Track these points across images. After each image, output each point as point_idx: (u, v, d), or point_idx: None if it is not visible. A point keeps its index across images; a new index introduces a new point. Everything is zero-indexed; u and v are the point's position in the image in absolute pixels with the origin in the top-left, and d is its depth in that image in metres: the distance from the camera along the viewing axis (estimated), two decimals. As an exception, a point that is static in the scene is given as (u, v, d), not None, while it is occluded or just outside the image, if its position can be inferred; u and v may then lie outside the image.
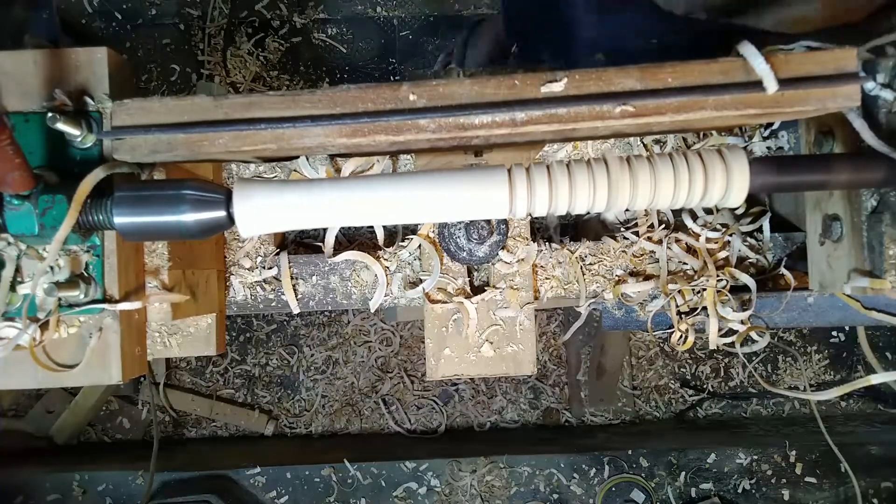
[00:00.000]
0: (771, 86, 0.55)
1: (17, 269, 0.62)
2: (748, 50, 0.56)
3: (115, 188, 0.58)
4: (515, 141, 0.62)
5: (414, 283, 0.83)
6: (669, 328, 0.85)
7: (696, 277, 0.83)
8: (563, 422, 1.83)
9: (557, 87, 0.57)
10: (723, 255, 0.85)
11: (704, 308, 0.83)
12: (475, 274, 0.85)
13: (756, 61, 0.55)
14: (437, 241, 0.82)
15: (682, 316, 0.84)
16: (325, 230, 0.86)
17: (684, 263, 0.84)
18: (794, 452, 1.53)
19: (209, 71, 1.79)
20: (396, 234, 0.87)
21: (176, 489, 1.50)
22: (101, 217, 0.58)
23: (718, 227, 0.85)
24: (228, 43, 1.80)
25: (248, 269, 0.83)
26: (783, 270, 0.84)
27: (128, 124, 0.59)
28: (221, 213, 0.57)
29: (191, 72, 1.80)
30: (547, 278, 0.84)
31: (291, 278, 0.84)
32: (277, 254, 0.84)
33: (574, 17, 1.01)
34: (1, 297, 0.60)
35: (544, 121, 0.57)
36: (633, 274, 0.85)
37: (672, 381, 1.84)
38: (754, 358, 1.82)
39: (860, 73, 0.57)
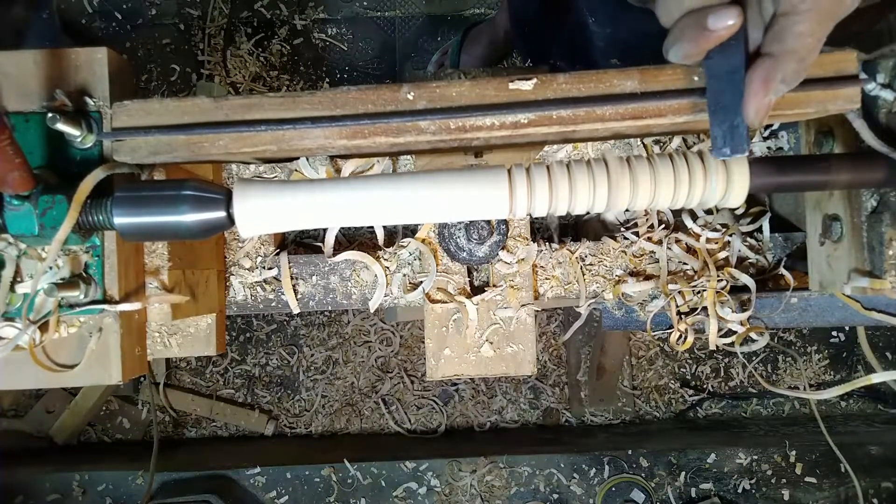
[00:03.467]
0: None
1: (17, 270, 0.62)
2: None
3: (115, 188, 0.58)
4: (515, 142, 0.62)
5: (414, 285, 0.83)
6: (669, 328, 0.85)
7: (696, 278, 0.83)
8: (563, 422, 1.83)
9: (526, 86, 0.57)
10: (723, 255, 0.85)
11: (704, 308, 0.83)
12: (475, 274, 0.85)
13: None
14: (435, 242, 0.82)
15: (682, 316, 0.84)
16: (325, 230, 0.86)
17: (684, 264, 0.85)
18: (794, 452, 1.53)
19: (209, 71, 1.79)
20: (396, 234, 0.87)
21: (176, 489, 1.50)
22: (101, 217, 0.58)
23: (718, 227, 0.85)
24: (228, 43, 1.80)
25: (248, 270, 0.83)
26: (783, 270, 0.84)
27: (128, 125, 0.59)
28: (221, 214, 0.57)
29: (191, 72, 1.80)
30: (547, 278, 0.84)
31: (291, 278, 0.84)
32: (277, 254, 0.84)
33: (584, 24, 1.01)
34: (1, 297, 0.60)
35: (545, 122, 0.57)
36: (633, 274, 0.85)
37: (672, 381, 1.84)
38: (754, 358, 1.82)
39: (861, 76, 0.57)
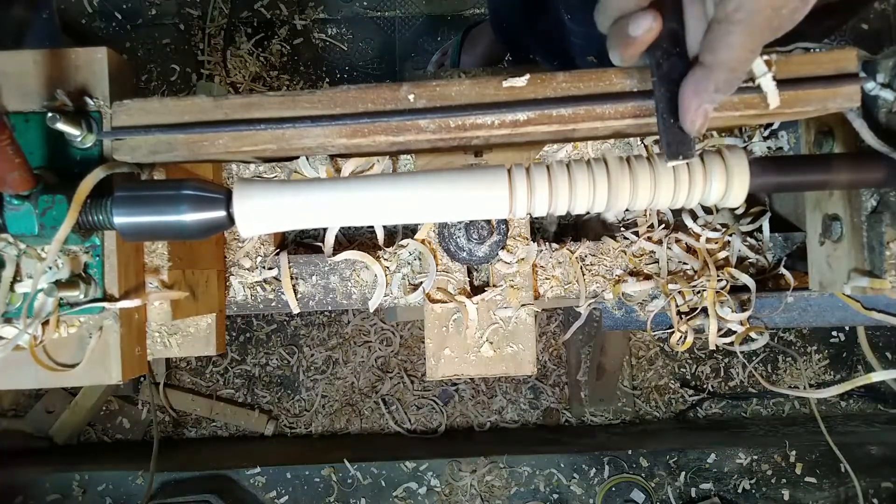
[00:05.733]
0: (773, 102, 0.55)
1: (17, 270, 0.62)
2: (756, 64, 0.55)
3: (114, 188, 0.58)
4: (515, 141, 0.62)
5: (414, 286, 0.83)
6: (669, 328, 0.85)
7: (696, 277, 0.83)
8: (563, 422, 1.83)
9: (519, 82, 0.57)
10: (723, 255, 0.85)
11: (704, 308, 0.83)
12: (475, 274, 0.85)
13: (764, 79, 0.55)
14: (435, 242, 0.82)
15: (682, 316, 0.84)
16: (325, 230, 0.86)
17: (684, 263, 0.85)
18: (794, 452, 1.53)
19: (209, 71, 1.79)
20: (396, 234, 0.87)
21: (176, 489, 1.50)
22: (100, 217, 0.58)
23: (718, 227, 0.85)
24: (228, 43, 1.80)
25: (248, 269, 0.83)
26: (783, 270, 0.84)
27: (128, 125, 0.59)
28: (221, 213, 0.57)
29: (191, 72, 1.80)
30: (547, 278, 0.84)
31: (291, 278, 0.84)
32: (277, 254, 0.84)
33: (561, 22, 1.01)
34: (1, 297, 0.60)
35: (544, 121, 0.57)
36: (633, 274, 0.85)
37: (672, 381, 1.84)
38: (754, 358, 1.82)
39: (860, 74, 0.57)
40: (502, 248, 0.81)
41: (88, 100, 0.61)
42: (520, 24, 1.26)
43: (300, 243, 0.91)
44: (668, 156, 0.53)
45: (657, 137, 0.85)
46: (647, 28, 0.48)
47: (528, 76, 0.57)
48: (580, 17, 0.97)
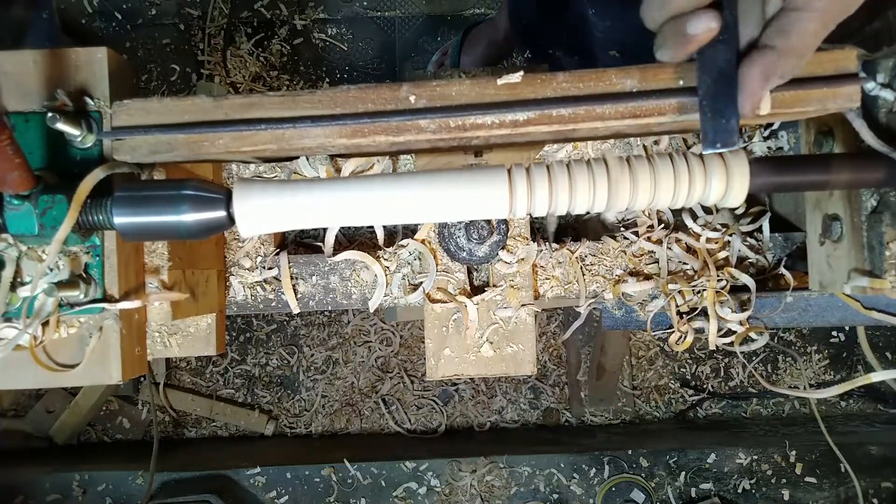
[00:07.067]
0: (765, 108, 0.55)
1: (18, 270, 0.62)
2: None
3: (114, 188, 0.58)
4: (515, 141, 0.62)
5: (414, 286, 0.83)
6: (669, 328, 0.85)
7: (696, 277, 0.83)
8: (563, 422, 1.83)
9: (514, 79, 0.57)
10: (723, 255, 0.85)
11: (704, 308, 0.83)
12: (475, 274, 0.85)
13: None
14: (435, 242, 0.82)
15: (682, 316, 0.84)
16: (325, 230, 0.86)
17: (684, 263, 0.85)
18: (794, 452, 1.53)
19: (209, 71, 1.79)
20: (396, 234, 0.87)
21: (176, 489, 1.50)
22: (100, 217, 0.58)
23: (718, 227, 0.85)
24: (228, 43, 1.80)
25: (248, 269, 0.83)
26: (783, 270, 0.84)
27: (128, 125, 0.59)
28: (221, 213, 0.57)
29: (191, 72, 1.80)
30: (547, 278, 0.84)
31: (291, 278, 0.84)
32: (277, 254, 0.84)
33: (584, 16, 1.01)
34: (1, 297, 0.60)
35: (544, 121, 0.57)
36: (633, 274, 0.85)
37: (672, 381, 1.84)
38: (754, 358, 1.82)
39: (860, 74, 0.57)
40: (502, 248, 0.81)
41: (88, 100, 0.61)
42: (540, 19, 1.25)
43: (300, 243, 0.91)
44: (711, 144, 0.53)
45: (657, 138, 0.85)
46: (707, 28, 0.48)
47: (521, 73, 0.57)
48: (603, 11, 0.96)
